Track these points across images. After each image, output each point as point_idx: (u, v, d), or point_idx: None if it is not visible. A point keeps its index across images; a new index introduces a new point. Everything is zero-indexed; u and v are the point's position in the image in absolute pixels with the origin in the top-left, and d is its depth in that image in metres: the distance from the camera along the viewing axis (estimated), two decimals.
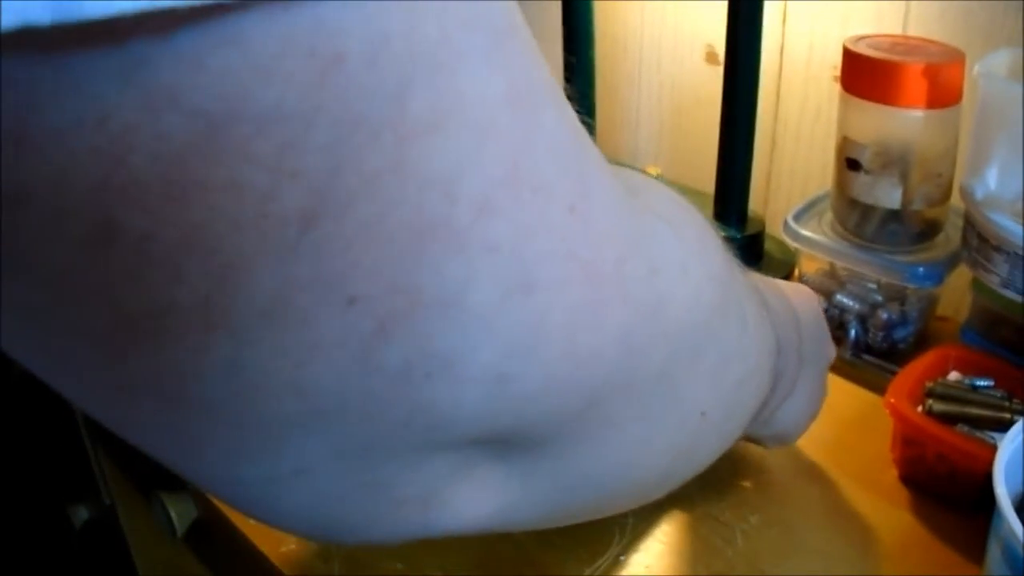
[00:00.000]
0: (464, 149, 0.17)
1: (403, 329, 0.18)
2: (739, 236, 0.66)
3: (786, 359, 0.37)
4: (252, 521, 0.25)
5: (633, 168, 0.75)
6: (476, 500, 0.24)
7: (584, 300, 0.20)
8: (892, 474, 0.50)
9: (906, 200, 0.56)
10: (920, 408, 0.50)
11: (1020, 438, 0.40)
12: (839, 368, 0.58)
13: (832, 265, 0.60)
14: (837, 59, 0.56)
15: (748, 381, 0.32)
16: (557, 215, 0.19)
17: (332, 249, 0.16)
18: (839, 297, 0.60)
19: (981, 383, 0.51)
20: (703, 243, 0.28)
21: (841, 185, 0.58)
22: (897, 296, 0.58)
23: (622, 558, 0.46)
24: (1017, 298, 0.50)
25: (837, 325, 0.60)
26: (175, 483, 0.58)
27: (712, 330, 0.27)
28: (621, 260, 0.21)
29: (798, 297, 0.44)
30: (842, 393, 0.56)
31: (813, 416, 0.46)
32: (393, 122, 0.16)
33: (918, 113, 0.53)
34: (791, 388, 0.41)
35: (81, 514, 0.78)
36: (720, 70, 0.62)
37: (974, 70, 0.49)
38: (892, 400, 0.49)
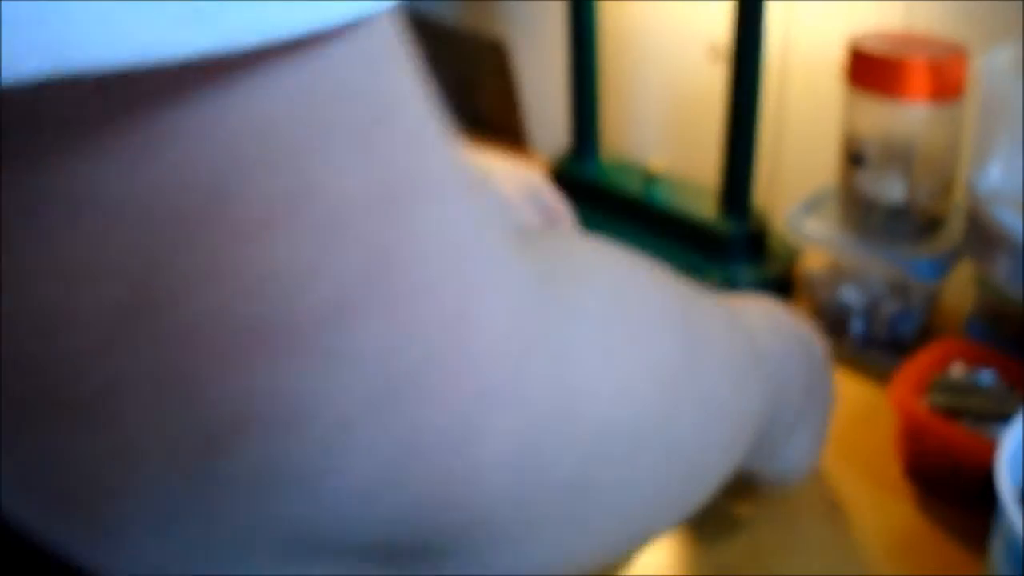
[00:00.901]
0: (310, 249, 0.16)
1: (243, 439, 0.16)
2: (743, 231, 0.66)
3: (782, 407, 0.36)
4: None
5: (635, 165, 0.75)
6: None
7: (468, 411, 0.18)
8: (895, 468, 0.51)
9: (910, 195, 0.56)
10: (924, 402, 0.50)
11: (1022, 431, 0.40)
12: (843, 361, 0.58)
13: (836, 259, 0.60)
14: (841, 55, 0.57)
15: (707, 462, 0.29)
16: (435, 320, 0.18)
17: (154, 350, 0.15)
18: (843, 291, 0.60)
19: (984, 377, 0.51)
20: (653, 324, 0.26)
21: (845, 180, 0.58)
22: (901, 290, 0.59)
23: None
24: (1020, 292, 0.50)
25: (841, 319, 0.60)
26: None
27: (650, 423, 0.24)
28: (519, 365, 0.19)
29: (810, 336, 0.42)
30: (846, 387, 0.56)
31: (814, 458, 0.45)
32: (216, 218, 0.15)
33: (921, 108, 0.53)
34: (789, 432, 0.39)
35: None
36: (724, 66, 0.62)
37: (978, 65, 0.49)
38: (896, 394, 0.49)
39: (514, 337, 0.20)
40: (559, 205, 0.51)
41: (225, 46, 0.14)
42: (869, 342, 0.60)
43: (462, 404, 0.18)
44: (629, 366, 0.24)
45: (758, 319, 0.37)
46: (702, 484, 0.30)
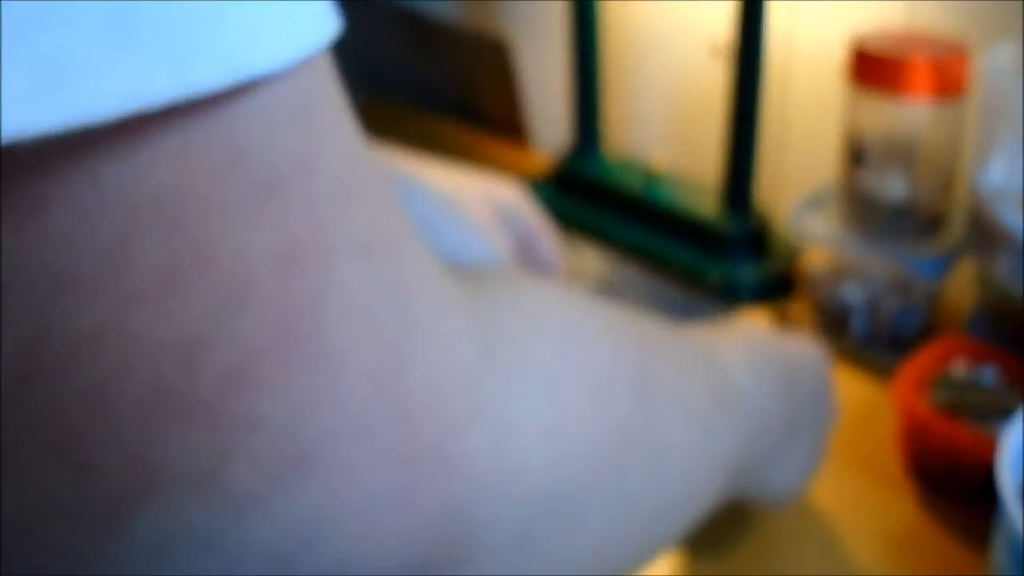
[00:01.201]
0: (209, 313, 0.16)
1: (148, 503, 0.16)
2: (745, 228, 0.66)
3: (761, 444, 0.36)
4: None
5: (637, 163, 0.75)
6: None
7: (387, 480, 0.18)
8: (897, 465, 0.51)
9: (911, 193, 0.56)
10: (925, 400, 0.50)
11: (1023, 429, 0.40)
12: (845, 359, 0.58)
13: (837, 257, 0.60)
14: (843, 52, 0.57)
15: (668, 508, 0.28)
16: (350, 387, 0.17)
17: (49, 415, 0.15)
18: (844, 289, 0.60)
19: (986, 374, 0.51)
20: (605, 376, 0.25)
21: (846, 178, 0.58)
22: (902, 288, 0.59)
23: None
24: (1021, 290, 0.50)
25: (842, 317, 0.60)
26: None
27: (597, 479, 0.24)
28: (447, 435, 0.19)
29: (801, 356, 0.42)
30: (848, 385, 0.56)
31: (808, 479, 0.44)
32: (110, 282, 0.15)
33: (923, 106, 0.53)
34: (772, 463, 0.39)
35: None
36: (726, 63, 0.62)
37: (980, 63, 0.50)
38: (897, 392, 0.49)
39: (446, 406, 0.19)
40: (540, 224, 0.48)
41: (78, 119, 0.13)
42: (870, 340, 0.60)
43: (384, 471, 0.18)
44: (576, 425, 0.23)
45: (737, 356, 0.36)
46: (668, 527, 0.29)
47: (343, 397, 0.17)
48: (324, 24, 0.17)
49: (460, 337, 0.20)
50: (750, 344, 0.39)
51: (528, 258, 0.46)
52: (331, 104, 0.18)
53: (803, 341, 0.44)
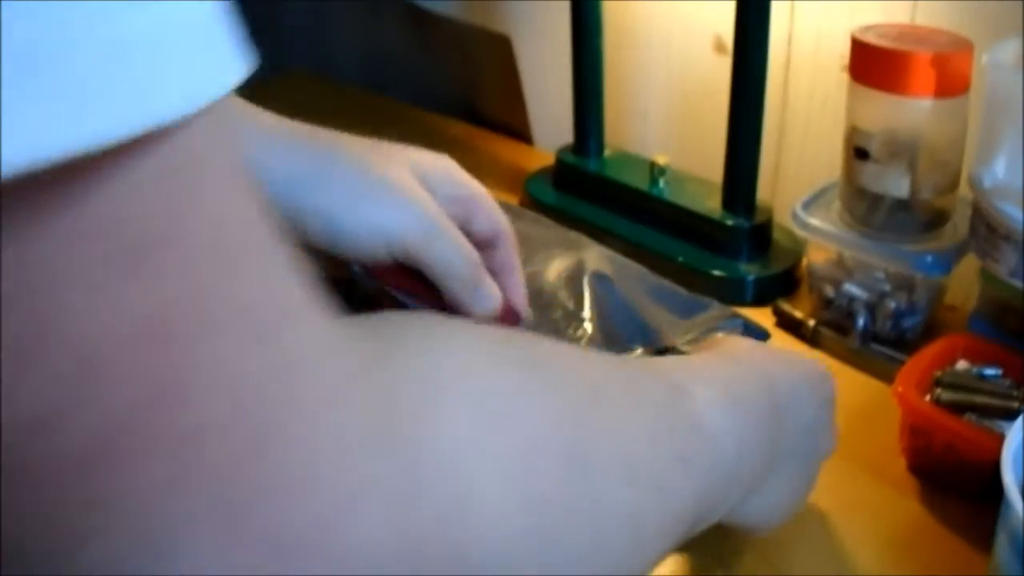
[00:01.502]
0: (61, 389, 0.15)
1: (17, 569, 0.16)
2: (747, 225, 0.66)
3: (735, 482, 0.35)
4: None
5: (640, 160, 0.75)
6: None
7: (263, 561, 0.17)
8: (900, 464, 0.50)
9: (914, 189, 0.56)
10: (928, 397, 0.50)
11: None
12: (847, 357, 0.58)
13: (840, 254, 0.60)
14: (845, 48, 0.56)
15: (619, 566, 0.28)
16: (215, 467, 0.17)
17: None
18: (847, 286, 0.60)
19: (989, 372, 0.51)
20: (530, 452, 0.24)
21: (849, 174, 0.58)
22: (905, 285, 0.58)
23: None
24: None
25: (845, 314, 0.60)
26: None
27: (518, 554, 0.23)
28: (334, 512, 0.18)
29: (795, 385, 0.40)
30: (850, 382, 0.56)
31: (794, 508, 0.42)
32: None
33: (926, 102, 0.53)
34: (749, 493, 0.37)
35: None
36: (728, 59, 0.62)
37: (982, 60, 0.49)
38: (900, 389, 0.49)
39: (336, 480, 0.18)
40: (477, 191, 0.46)
41: None
42: (874, 337, 0.60)
43: (259, 552, 0.17)
44: (493, 496, 0.22)
45: (713, 391, 0.34)
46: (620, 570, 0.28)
47: (206, 477, 0.16)
48: (227, 70, 0.16)
49: (352, 411, 0.19)
50: (736, 372, 0.38)
51: (470, 227, 0.44)
52: (219, 160, 0.17)
53: (805, 365, 0.42)
